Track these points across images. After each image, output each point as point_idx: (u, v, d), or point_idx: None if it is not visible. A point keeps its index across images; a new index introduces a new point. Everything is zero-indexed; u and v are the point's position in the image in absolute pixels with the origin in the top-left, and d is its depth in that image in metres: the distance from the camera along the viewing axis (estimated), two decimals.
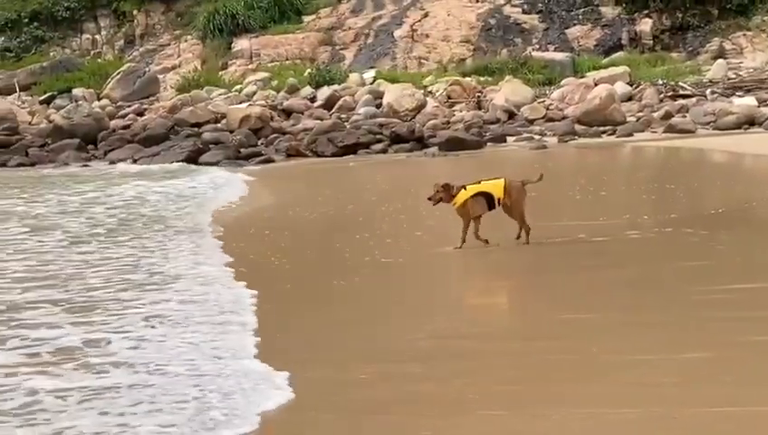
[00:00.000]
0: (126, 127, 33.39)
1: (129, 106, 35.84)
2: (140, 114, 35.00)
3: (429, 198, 11.60)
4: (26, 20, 43.44)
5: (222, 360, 7.13)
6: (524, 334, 7.70)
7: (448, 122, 31.77)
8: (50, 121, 34.26)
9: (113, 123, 33.69)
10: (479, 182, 11.58)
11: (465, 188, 11.41)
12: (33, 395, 6.44)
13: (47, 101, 37.26)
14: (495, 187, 11.47)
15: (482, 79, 35.54)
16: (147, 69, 39.62)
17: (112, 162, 29.78)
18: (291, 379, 6.55)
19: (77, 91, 37.36)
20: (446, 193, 11.40)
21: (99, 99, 36.98)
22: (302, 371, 6.77)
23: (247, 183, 22.33)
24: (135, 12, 44.03)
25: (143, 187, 21.53)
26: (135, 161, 29.82)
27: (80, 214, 16.98)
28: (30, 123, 35.12)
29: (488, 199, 11.43)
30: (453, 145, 28.26)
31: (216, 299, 9.24)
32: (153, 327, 8.19)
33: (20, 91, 38.35)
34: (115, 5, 44.09)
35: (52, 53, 42.08)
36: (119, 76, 37.79)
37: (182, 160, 28.77)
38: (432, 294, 9.59)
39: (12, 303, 9.43)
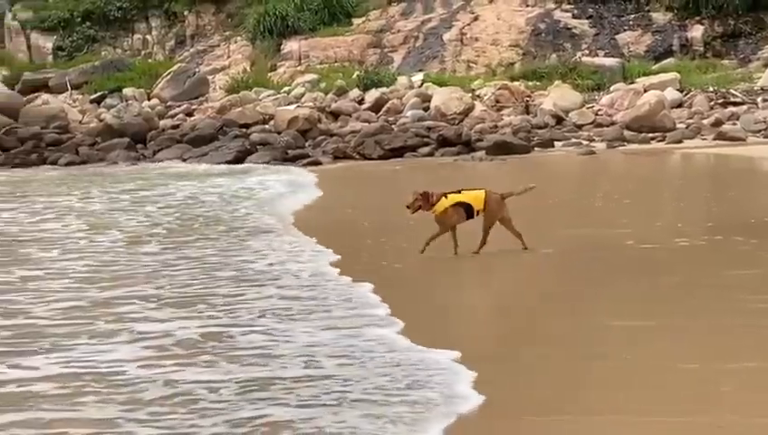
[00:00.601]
0: (175, 127, 33.66)
1: (179, 106, 36.12)
2: (189, 114, 35.28)
3: (407, 206, 11.62)
4: (79, 19, 43.87)
5: (388, 351, 7.17)
6: (577, 341, 7.64)
7: (496, 126, 31.69)
8: (100, 120, 34.57)
9: (162, 123, 33.98)
10: (460, 191, 11.63)
11: (445, 197, 11.44)
12: (188, 386, 6.46)
13: (98, 101, 37.64)
14: (476, 198, 11.53)
15: (530, 83, 35.44)
16: (196, 69, 39.89)
17: (161, 162, 30.01)
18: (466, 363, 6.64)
19: (127, 91, 37.71)
20: (424, 201, 11.40)
21: (149, 99, 37.30)
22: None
23: (311, 184, 22.20)
24: (186, 12, 44.33)
25: (198, 186, 21.68)
26: (184, 161, 30.00)
27: (135, 212, 17.13)
28: (80, 122, 35.49)
29: (467, 210, 11.51)
30: (500, 149, 28.16)
31: (330, 293, 9.30)
32: (281, 320, 8.23)
33: (72, 89, 38.75)
34: (166, 6, 44.42)
35: (103, 53, 42.49)
36: (169, 76, 38.08)
37: (230, 161, 28.92)
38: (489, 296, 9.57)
39: (100, 299, 9.46)
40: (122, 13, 44.17)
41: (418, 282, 10.41)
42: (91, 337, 7.94)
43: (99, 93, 37.94)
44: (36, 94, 37.65)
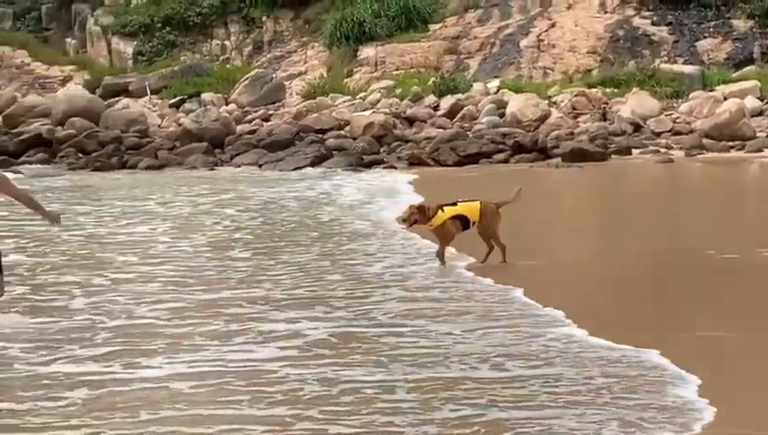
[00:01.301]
0: (252, 132, 33.92)
1: (256, 111, 36.41)
2: (266, 120, 35.54)
3: (403, 220, 11.73)
4: (159, 24, 44.40)
5: (581, 350, 7.14)
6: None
7: (572, 133, 31.45)
8: (179, 125, 34.95)
9: (239, 128, 34.26)
10: (455, 203, 11.73)
11: (442, 210, 11.52)
12: (353, 385, 6.41)
13: (177, 105, 38.07)
14: (471, 209, 11.67)
15: (608, 90, 35.11)
16: (273, 75, 40.17)
17: (238, 166, 30.26)
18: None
19: (206, 96, 38.10)
20: (420, 215, 11.51)
21: (226, 103, 37.65)
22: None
23: (395, 188, 22.18)
24: (264, 18, 44.65)
25: (277, 190, 21.79)
26: (260, 166, 30.23)
27: (217, 216, 17.24)
28: (160, 126, 35.92)
29: (463, 221, 11.63)
30: (576, 156, 27.94)
31: (479, 295, 9.37)
32: (430, 321, 8.19)
33: (151, 94, 39.26)
34: (245, 12, 44.79)
35: (182, 58, 42.93)
36: (246, 82, 38.41)
37: (306, 166, 29.10)
38: None
39: (205, 301, 9.50)
40: (201, 18, 44.62)
41: (564, 281, 10.32)
42: (212, 338, 7.91)
43: (178, 98, 38.39)
44: (117, 98, 38.23)
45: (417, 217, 11.49)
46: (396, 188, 22.13)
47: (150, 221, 16.49)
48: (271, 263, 11.73)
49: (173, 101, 38.31)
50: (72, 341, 7.93)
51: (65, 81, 42.42)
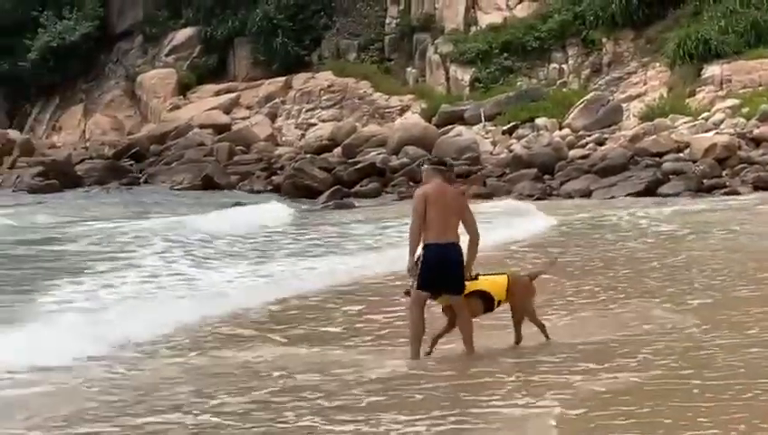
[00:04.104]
0: (584, 157, 32.63)
1: (590, 135, 35.02)
2: (600, 144, 34.05)
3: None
4: (497, 51, 43.99)
5: None
6: None
7: None
8: (510, 151, 34.30)
9: (571, 153, 33.08)
10: (476, 277, 9.77)
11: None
12: None
13: (510, 131, 37.40)
14: (495, 285, 9.76)
15: None
16: (611, 97, 38.64)
17: (569, 195, 29.11)
18: None
19: (539, 121, 37.17)
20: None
21: (560, 128, 36.53)
22: None
23: None
24: (604, 40, 43.20)
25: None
26: (590, 193, 29.01)
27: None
28: (491, 153, 35.40)
29: (486, 299, 9.76)
30: None
31: None
32: None
33: (485, 120, 38.81)
34: (584, 34, 43.55)
35: (519, 83, 42.28)
36: (582, 105, 37.14)
37: (639, 193, 27.68)
38: None
39: None
40: (540, 42, 43.81)
41: None
42: None
43: (511, 124, 37.71)
44: (451, 126, 38.07)
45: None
46: None
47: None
48: None
49: (506, 127, 37.67)
50: None
51: (403, 110, 42.84)
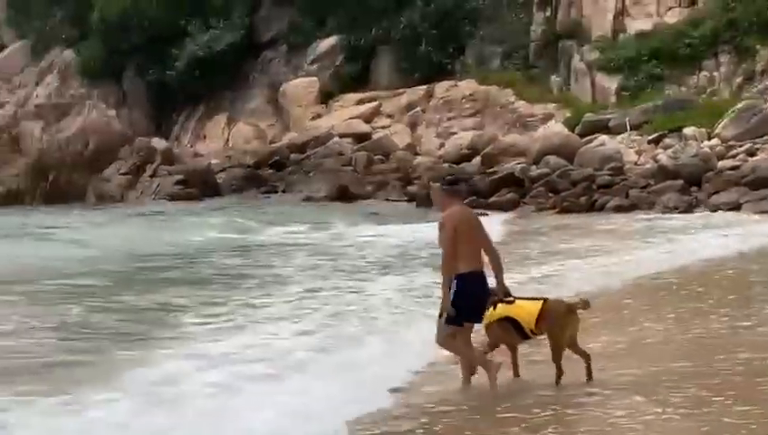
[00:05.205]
0: (734, 168, 31.10)
1: (741, 146, 33.39)
2: (751, 154, 32.43)
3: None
4: (645, 58, 42.54)
5: None
6: None
7: None
8: (656, 161, 32.99)
9: (721, 164, 31.60)
10: (513, 301, 8.87)
11: (494, 307, 8.86)
12: None
13: (656, 141, 36.01)
14: (524, 311, 8.77)
15: None
16: (764, 106, 36.84)
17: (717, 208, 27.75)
18: None
19: (687, 130, 35.66)
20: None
21: (709, 138, 34.97)
22: None
23: None
24: (758, 47, 41.32)
25: None
26: (739, 206, 27.60)
27: None
28: (635, 163, 34.13)
29: (517, 326, 8.83)
30: None
31: None
32: None
33: (630, 130, 37.49)
34: (737, 41, 41.75)
35: (667, 91, 40.76)
36: (733, 114, 35.51)
37: None
38: None
39: None
40: (690, 50, 42.17)
41: None
42: None
43: (657, 133, 36.29)
44: (594, 135, 36.91)
45: None
46: None
47: None
48: None
49: (652, 136, 36.28)
50: None
51: (546, 119, 41.71)
